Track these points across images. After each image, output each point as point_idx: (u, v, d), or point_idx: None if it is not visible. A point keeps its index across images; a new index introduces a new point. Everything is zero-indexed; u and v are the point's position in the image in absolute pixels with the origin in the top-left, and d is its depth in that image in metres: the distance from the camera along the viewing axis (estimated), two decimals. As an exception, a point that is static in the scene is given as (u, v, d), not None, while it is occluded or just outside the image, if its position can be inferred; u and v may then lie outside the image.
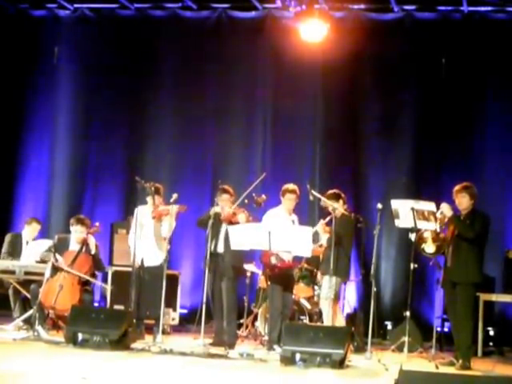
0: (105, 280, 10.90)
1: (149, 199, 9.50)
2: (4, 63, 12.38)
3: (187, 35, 12.16)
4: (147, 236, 9.52)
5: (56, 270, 9.42)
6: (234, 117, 12.10)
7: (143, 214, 9.50)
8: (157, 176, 10.87)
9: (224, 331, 9.15)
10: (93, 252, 9.68)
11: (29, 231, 10.58)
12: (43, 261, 9.54)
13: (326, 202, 9.14)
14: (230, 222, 9.06)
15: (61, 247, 9.69)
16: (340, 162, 11.69)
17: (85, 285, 9.63)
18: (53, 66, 12.48)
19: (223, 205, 9.23)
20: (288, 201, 9.20)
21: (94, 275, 9.90)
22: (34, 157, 12.48)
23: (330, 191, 9.31)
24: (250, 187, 9.14)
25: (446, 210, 8.61)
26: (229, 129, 12.09)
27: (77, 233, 9.75)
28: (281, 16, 11.74)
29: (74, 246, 9.74)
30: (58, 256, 9.52)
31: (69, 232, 9.88)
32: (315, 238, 9.05)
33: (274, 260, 9.03)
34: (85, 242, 9.68)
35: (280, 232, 8.55)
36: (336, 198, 9.18)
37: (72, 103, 12.46)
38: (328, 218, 9.09)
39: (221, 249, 9.19)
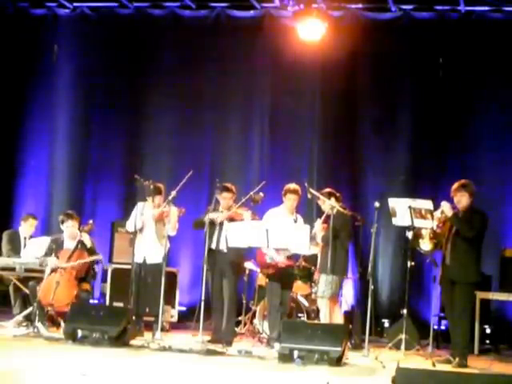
0: (105, 277, 10.94)
1: (149, 198, 9.54)
2: (3, 62, 12.38)
3: (186, 34, 12.18)
4: (149, 234, 9.54)
5: (54, 268, 9.47)
6: (232, 115, 12.13)
7: (144, 211, 9.52)
8: (156, 174, 10.88)
9: (223, 328, 9.18)
10: (88, 246, 9.72)
11: (26, 227, 10.64)
12: (41, 265, 9.57)
13: (323, 200, 9.17)
14: (233, 219, 9.12)
15: (56, 247, 9.71)
16: (338, 161, 11.72)
17: (81, 281, 9.68)
18: (52, 65, 12.49)
19: (223, 202, 9.28)
20: (289, 201, 9.24)
21: (93, 275, 9.97)
22: (34, 155, 12.49)
23: (322, 190, 9.33)
24: (248, 191, 9.18)
25: (446, 209, 8.59)
26: (227, 127, 12.13)
27: (68, 228, 9.80)
28: (279, 15, 11.79)
29: (68, 243, 9.78)
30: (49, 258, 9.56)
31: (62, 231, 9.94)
32: (313, 237, 9.10)
33: (268, 259, 9.09)
34: (79, 241, 9.70)
35: (278, 230, 8.61)
36: (328, 196, 9.19)
37: (71, 101, 12.49)
38: (324, 216, 9.12)
39: (223, 246, 9.21)
